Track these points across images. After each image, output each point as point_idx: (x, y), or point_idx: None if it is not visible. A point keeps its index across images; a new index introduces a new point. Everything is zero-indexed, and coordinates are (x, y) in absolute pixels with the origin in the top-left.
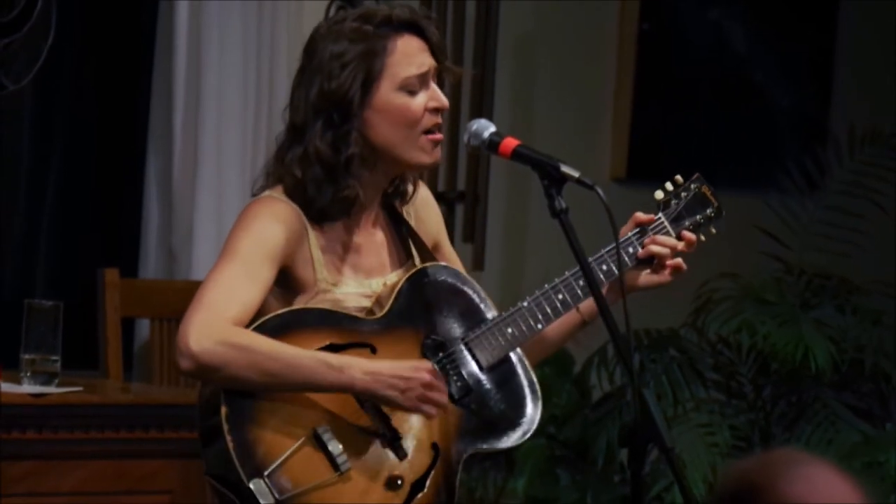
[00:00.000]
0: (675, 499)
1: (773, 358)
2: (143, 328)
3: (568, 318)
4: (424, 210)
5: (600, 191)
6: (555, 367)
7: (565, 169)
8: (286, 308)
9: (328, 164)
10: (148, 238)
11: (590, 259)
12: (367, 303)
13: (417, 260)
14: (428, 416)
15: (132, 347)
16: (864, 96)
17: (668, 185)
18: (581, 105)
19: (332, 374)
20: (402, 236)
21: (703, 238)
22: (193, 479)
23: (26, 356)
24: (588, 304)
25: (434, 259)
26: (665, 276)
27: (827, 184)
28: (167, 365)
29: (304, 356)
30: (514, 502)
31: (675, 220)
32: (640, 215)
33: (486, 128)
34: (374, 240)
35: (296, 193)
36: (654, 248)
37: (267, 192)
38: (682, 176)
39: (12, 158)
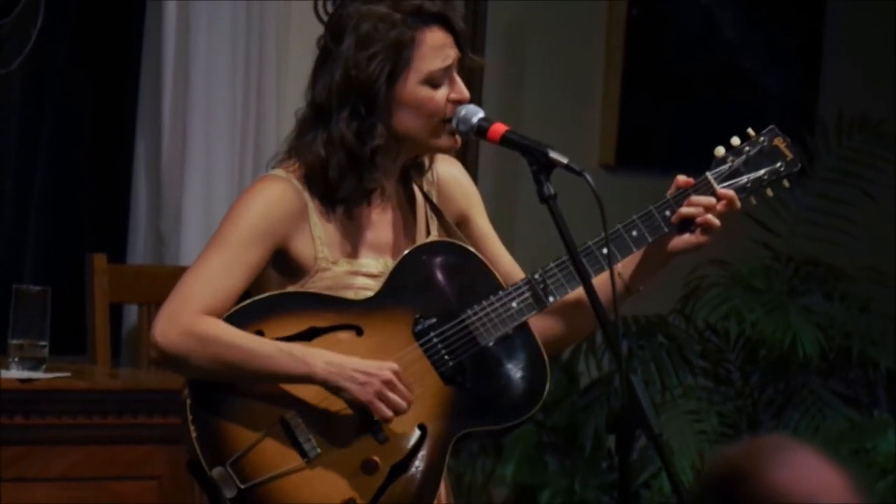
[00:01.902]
0: (663, 485)
1: (760, 345)
2: (132, 314)
3: (607, 287)
4: (449, 187)
5: (589, 177)
6: None
7: (554, 155)
8: (267, 293)
9: (353, 153)
10: (137, 223)
11: (620, 225)
12: (372, 282)
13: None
14: (383, 418)
15: (120, 333)
16: (853, 83)
17: (735, 140)
18: (570, 91)
19: (293, 363)
20: (423, 215)
21: (769, 193)
22: (181, 465)
23: (14, 341)
24: (630, 270)
25: (456, 236)
26: (698, 236)
27: (815, 171)
28: None
29: (265, 345)
30: (502, 488)
31: (732, 177)
32: (681, 178)
33: (475, 113)
34: (385, 218)
35: (315, 174)
36: (685, 210)
37: (272, 171)
38: (755, 130)
39: (0, 143)
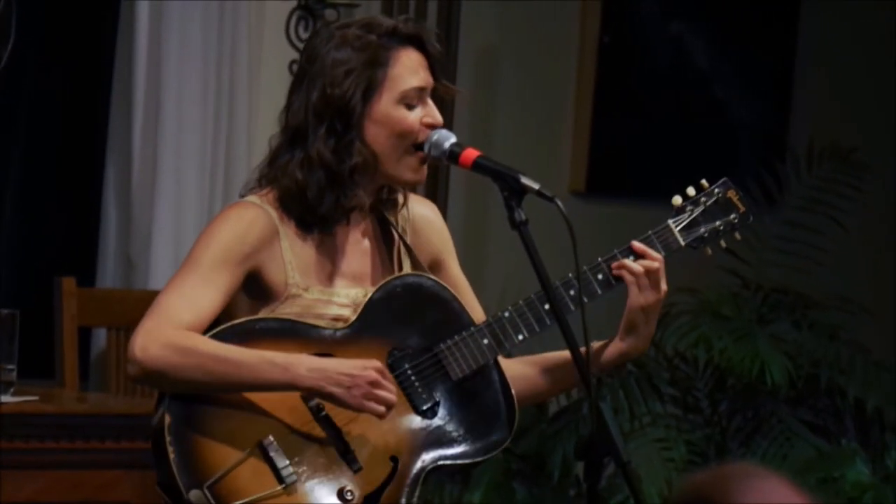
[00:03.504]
0: None
1: (729, 373)
2: (100, 337)
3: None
4: (425, 228)
5: (560, 203)
6: None
7: (525, 181)
8: (244, 318)
9: (331, 171)
10: (106, 247)
11: (587, 267)
12: (346, 311)
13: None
14: (376, 415)
15: (89, 357)
16: (824, 112)
17: (690, 190)
18: (541, 117)
19: (276, 371)
20: (395, 249)
21: (723, 244)
22: (150, 490)
23: None
24: (604, 351)
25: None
26: (644, 295)
27: (785, 199)
28: (124, 374)
29: (247, 355)
30: None
31: (689, 227)
32: (636, 244)
33: (447, 138)
34: (360, 248)
35: (292, 197)
36: (620, 272)
37: (246, 198)
38: (708, 180)
39: None
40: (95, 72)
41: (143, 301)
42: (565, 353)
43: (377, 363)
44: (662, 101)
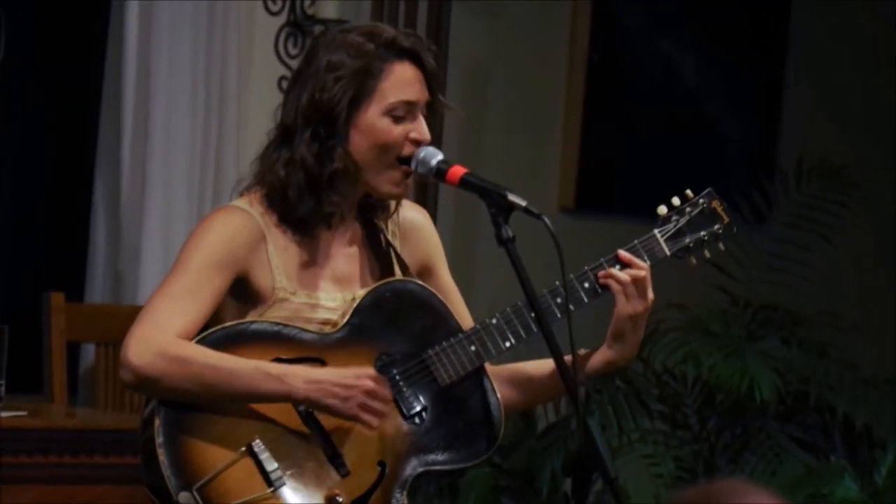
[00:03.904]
0: None
1: (718, 389)
2: (89, 353)
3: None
4: (416, 233)
5: (547, 220)
6: None
7: (513, 198)
8: (233, 322)
9: (312, 175)
10: (95, 262)
11: (573, 275)
12: (333, 316)
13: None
14: (368, 426)
15: (77, 372)
16: (813, 129)
17: (675, 200)
18: (529, 135)
19: (271, 383)
20: (384, 253)
21: (707, 255)
22: None
23: None
24: (588, 363)
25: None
26: (632, 304)
27: (774, 216)
28: (112, 390)
29: (242, 365)
30: None
31: (674, 237)
32: (622, 253)
33: (434, 155)
34: (347, 252)
35: (276, 195)
36: (607, 281)
37: (234, 202)
38: (693, 191)
39: None
40: (84, 86)
41: (131, 316)
42: (549, 363)
43: (372, 372)
44: (651, 118)
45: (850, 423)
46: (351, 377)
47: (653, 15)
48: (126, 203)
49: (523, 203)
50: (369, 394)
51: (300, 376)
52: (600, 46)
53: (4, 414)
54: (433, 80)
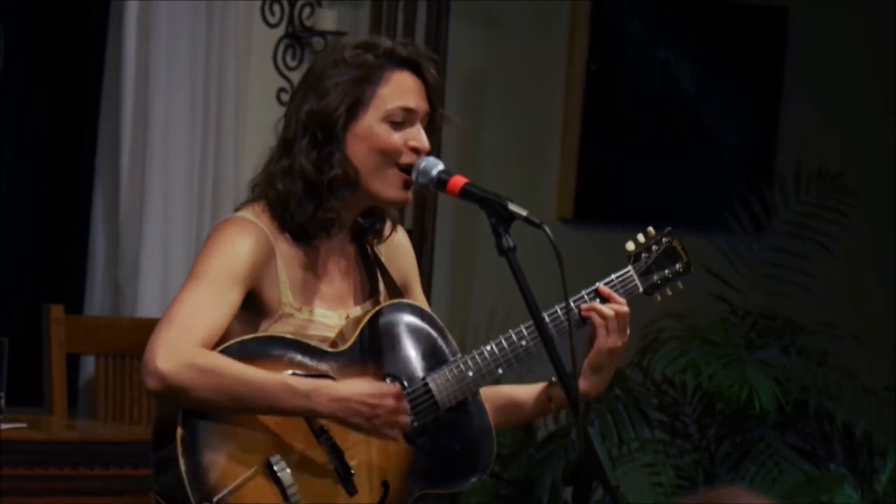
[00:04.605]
0: None
1: (717, 398)
2: (89, 365)
3: (539, 390)
4: (396, 252)
5: (548, 229)
6: None
7: (513, 207)
8: (251, 335)
9: (310, 182)
10: (94, 274)
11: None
12: (329, 332)
13: (383, 296)
14: (391, 437)
15: (77, 384)
16: (812, 136)
17: (640, 237)
18: (528, 144)
19: (298, 399)
20: (371, 271)
21: (669, 293)
22: None
23: None
24: (560, 394)
25: (401, 297)
26: (612, 338)
27: (773, 224)
28: (112, 402)
29: (270, 380)
30: None
31: (644, 274)
32: (602, 287)
33: (435, 165)
34: (339, 269)
35: (276, 208)
36: (589, 314)
37: (240, 213)
38: (654, 228)
39: None
40: (83, 98)
41: (131, 328)
42: (535, 387)
43: (395, 389)
44: (650, 127)
45: (850, 431)
46: (375, 395)
47: (650, 24)
48: (125, 215)
49: (524, 213)
50: (393, 411)
51: (325, 394)
52: (598, 55)
53: (4, 426)
54: (433, 93)
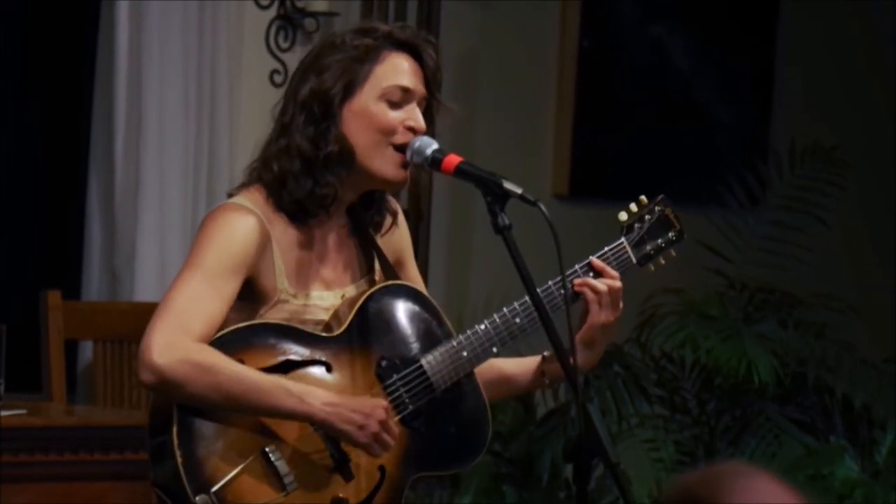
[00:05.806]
0: None
1: (716, 372)
2: (87, 350)
3: (533, 364)
4: (392, 228)
5: (543, 207)
6: None
7: (508, 185)
8: (244, 322)
9: (307, 159)
10: (90, 259)
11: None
12: (324, 315)
13: (378, 275)
14: (374, 455)
15: (75, 369)
16: (805, 111)
17: (633, 207)
18: (522, 122)
19: (291, 401)
20: (366, 249)
21: (662, 262)
22: (139, 502)
23: None
24: (554, 368)
25: (395, 275)
26: (604, 313)
27: (768, 199)
28: (111, 387)
29: (265, 380)
30: None
31: (637, 245)
32: (595, 261)
33: (429, 145)
34: (334, 250)
35: (274, 187)
36: (582, 289)
37: (234, 199)
38: (647, 197)
39: None
40: (76, 85)
41: (128, 313)
42: (528, 361)
43: (385, 403)
44: (643, 104)
45: (849, 403)
46: (367, 406)
47: (643, 0)
48: (120, 200)
49: (519, 190)
50: (383, 424)
51: (319, 397)
52: (591, 33)
53: (4, 413)
54: (432, 78)
